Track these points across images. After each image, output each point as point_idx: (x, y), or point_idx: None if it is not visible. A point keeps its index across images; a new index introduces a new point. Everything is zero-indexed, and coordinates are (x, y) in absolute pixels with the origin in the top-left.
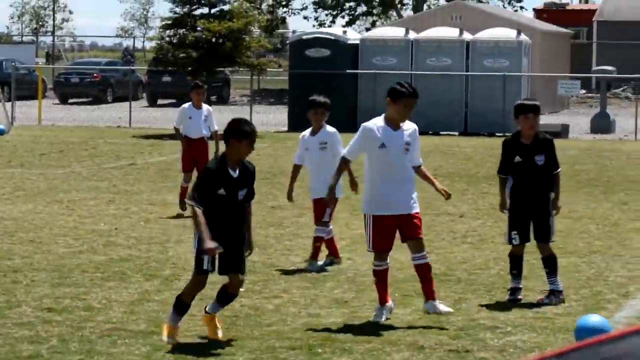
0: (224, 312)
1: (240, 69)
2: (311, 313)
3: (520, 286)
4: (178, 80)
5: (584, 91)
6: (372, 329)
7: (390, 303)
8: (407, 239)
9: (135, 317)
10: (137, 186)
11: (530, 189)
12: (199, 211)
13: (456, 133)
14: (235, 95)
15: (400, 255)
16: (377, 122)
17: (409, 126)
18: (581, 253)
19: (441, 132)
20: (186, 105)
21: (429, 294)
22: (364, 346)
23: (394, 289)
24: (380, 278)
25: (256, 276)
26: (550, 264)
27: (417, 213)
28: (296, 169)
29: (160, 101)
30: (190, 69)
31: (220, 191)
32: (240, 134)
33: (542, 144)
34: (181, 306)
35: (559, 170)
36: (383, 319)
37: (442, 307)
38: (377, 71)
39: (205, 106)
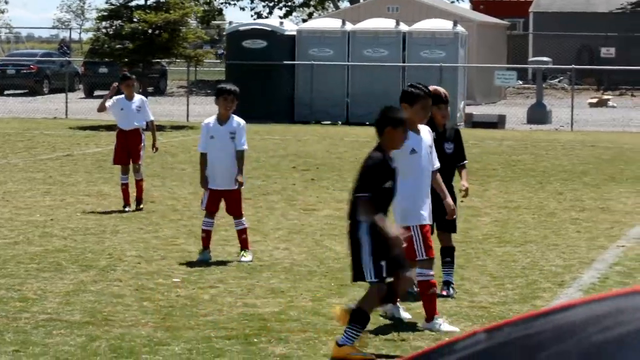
0: (159, 302)
1: (177, 60)
2: (247, 303)
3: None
4: (114, 72)
5: (520, 82)
6: (309, 318)
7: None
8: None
9: (71, 307)
10: (73, 177)
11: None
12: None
13: None
14: (173, 86)
15: (336, 245)
16: None
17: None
18: (517, 242)
19: None
20: (118, 97)
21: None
22: (300, 336)
23: (329, 278)
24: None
25: (192, 266)
26: (451, 254)
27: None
28: (204, 157)
29: (96, 92)
30: (126, 60)
31: (387, 184)
32: (395, 121)
33: (452, 134)
34: (363, 318)
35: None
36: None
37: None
38: (314, 62)
39: (137, 97)
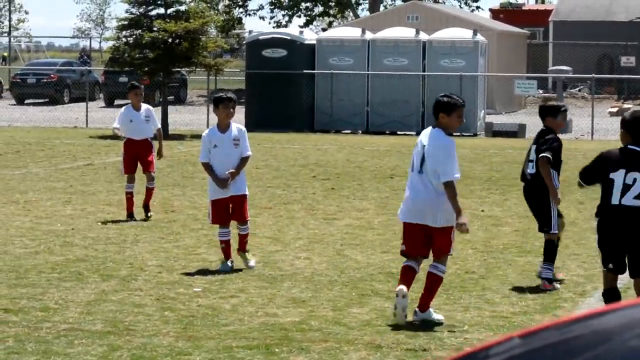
0: (181, 312)
1: (197, 69)
2: (268, 312)
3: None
4: (135, 81)
5: (540, 91)
6: (330, 328)
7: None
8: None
9: (92, 317)
10: (93, 186)
11: None
12: None
13: (413, 133)
14: (192, 95)
15: (357, 254)
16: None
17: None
18: (538, 252)
19: (398, 132)
20: (126, 107)
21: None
22: (321, 345)
23: (350, 287)
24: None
25: (213, 276)
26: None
27: None
28: (208, 166)
29: (117, 101)
30: (147, 69)
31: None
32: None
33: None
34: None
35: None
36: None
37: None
38: (333, 71)
39: (144, 106)
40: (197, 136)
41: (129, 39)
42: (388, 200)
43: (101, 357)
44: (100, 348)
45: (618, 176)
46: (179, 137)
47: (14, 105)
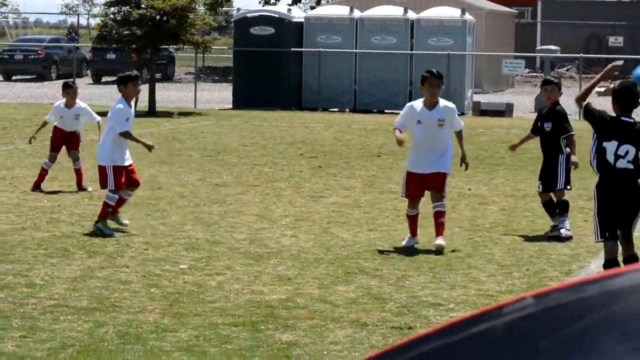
0: (166, 289)
1: (185, 46)
2: (254, 290)
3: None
4: (122, 58)
5: (528, 70)
6: (315, 305)
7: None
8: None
9: (78, 293)
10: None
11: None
12: None
13: (400, 111)
14: (180, 72)
15: (344, 232)
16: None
17: (443, 104)
18: (524, 231)
19: (386, 111)
20: (59, 103)
21: (437, 233)
22: (306, 323)
23: (336, 265)
24: None
25: (199, 253)
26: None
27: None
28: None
29: (104, 78)
30: (134, 46)
31: None
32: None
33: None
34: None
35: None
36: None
37: (438, 241)
38: (321, 49)
39: (77, 105)
40: (185, 114)
41: (116, 15)
42: (375, 178)
43: (87, 333)
44: (86, 324)
45: (610, 146)
46: (167, 114)
47: (1, 81)
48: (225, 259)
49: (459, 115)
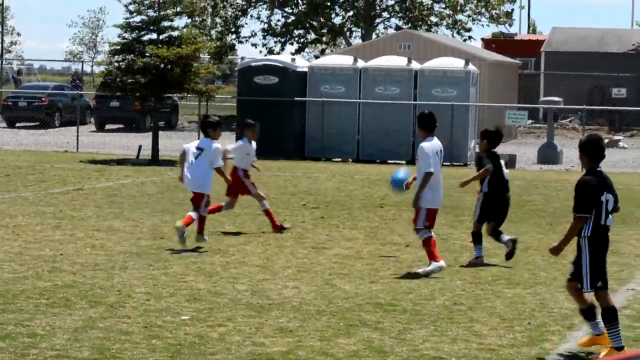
0: (168, 340)
1: (189, 95)
2: (256, 342)
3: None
4: (126, 106)
5: (531, 121)
6: (317, 358)
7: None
8: None
9: (79, 344)
10: (83, 212)
11: None
12: None
13: (404, 162)
14: (184, 121)
15: (346, 284)
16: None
17: None
18: (526, 284)
19: (389, 161)
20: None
21: None
22: None
23: (338, 317)
24: None
25: (201, 304)
26: None
27: None
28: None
29: (108, 126)
30: (138, 94)
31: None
32: None
33: None
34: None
35: None
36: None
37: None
38: (325, 99)
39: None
40: None
41: (120, 63)
42: (377, 229)
43: None
44: None
45: (604, 198)
46: (170, 163)
47: (5, 128)
48: (227, 310)
49: (461, 165)
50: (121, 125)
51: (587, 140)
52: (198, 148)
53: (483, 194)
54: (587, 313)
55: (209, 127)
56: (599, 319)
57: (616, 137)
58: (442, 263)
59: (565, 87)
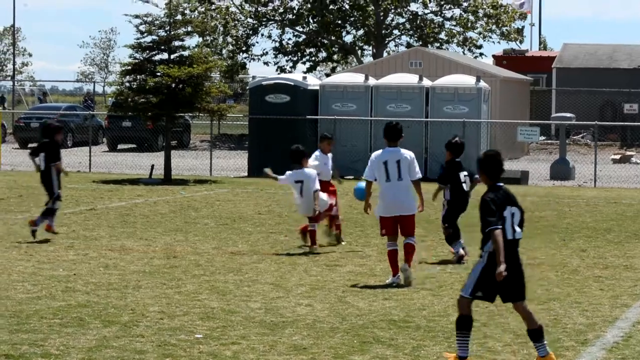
0: (182, 359)
1: (200, 114)
2: None
3: None
4: (138, 125)
5: (543, 137)
6: None
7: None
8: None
9: None
10: (96, 231)
11: None
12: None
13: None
14: (196, 140)
15: (359, 301)
16: None
17: None
18: (540, 300)
19: None
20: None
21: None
22: None
23: (352, 335)
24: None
25: (214, 322)
26: None
27: None
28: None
29: (120, 146)
30: (150, 114)
31: None
32: None
33: None
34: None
35: None
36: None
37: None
38: (336, 117)
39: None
40: (200, 181)
41: (132, 83)
42: None
43: None
44: None
45: (508, 213)
46: (182, 182)
47: (18, 149)
48: (240, 328)
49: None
50: (133, 145)
51: (484, 157)
52: (297, 181)
53: (447, 201)
54: (534, 334)
55: (303, 157)
56: (546, 340)
57: (629, 153)
58: (394, 278)
59: (576, 103)
